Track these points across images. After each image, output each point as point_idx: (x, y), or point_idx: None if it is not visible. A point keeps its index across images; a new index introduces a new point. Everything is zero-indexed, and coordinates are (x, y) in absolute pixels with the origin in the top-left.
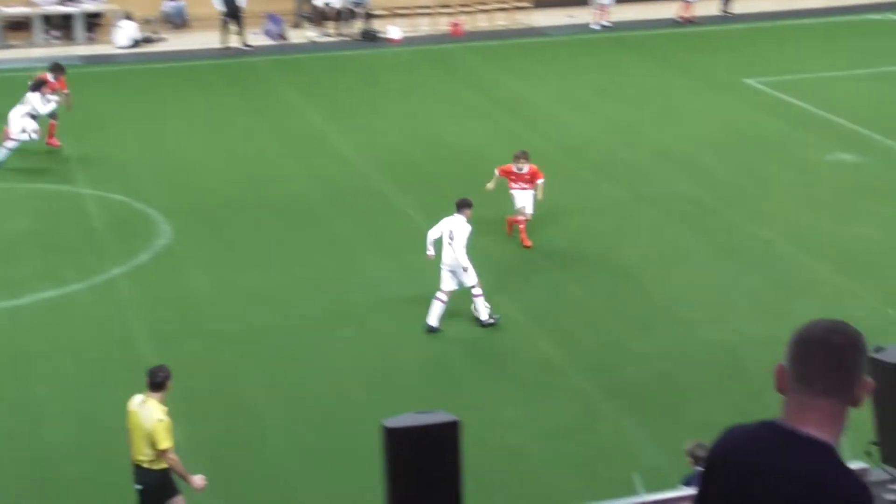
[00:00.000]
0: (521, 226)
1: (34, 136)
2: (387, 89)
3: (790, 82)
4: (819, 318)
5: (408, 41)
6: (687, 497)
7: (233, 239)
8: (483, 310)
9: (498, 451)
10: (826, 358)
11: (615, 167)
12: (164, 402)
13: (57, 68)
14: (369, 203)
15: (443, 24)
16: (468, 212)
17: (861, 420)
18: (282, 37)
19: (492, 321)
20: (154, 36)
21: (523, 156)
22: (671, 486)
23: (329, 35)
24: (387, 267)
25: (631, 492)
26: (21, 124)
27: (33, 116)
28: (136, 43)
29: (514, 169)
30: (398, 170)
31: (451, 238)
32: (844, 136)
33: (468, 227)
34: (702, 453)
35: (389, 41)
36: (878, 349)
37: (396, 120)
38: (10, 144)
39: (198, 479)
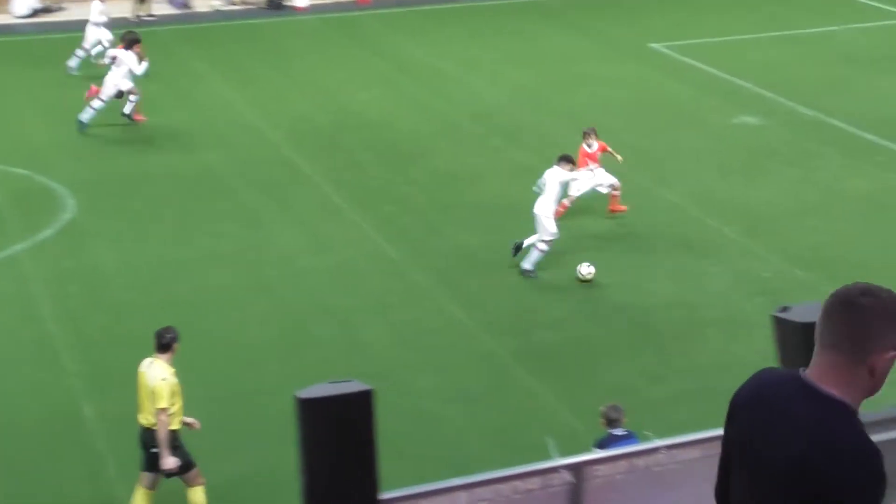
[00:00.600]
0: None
1: (132, 97)
2: (294, 58)
3: (695, 46)
4: (858, 282)
5: (314, 9)
6: (601, 459)
7: (139, 211)
8: (531, 261)
9: (412, 418)
10: (850, 318)
11: (524, 133)
12: (171, 363)
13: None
14: (278, 173)
15: None
16: (566, 165)
17: None
18: (186, 6)
19: (530, 271)
20: (54, 5)
21: (592, 132)
22: (585, 450)
23: (234, 3)
24: (297, 237)
25: (546, 456)
26: (117, 85)
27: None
28: (35, 12)
29: (585, 147)
30: (307, 139)
31: (541, 188)
32: (749, 99)
33: (559, 180)
34: (615, 415)
35: (295, 9)
36: (784, 308)
37: (304, 89)
38: (96, 105)
39: (170, 461)
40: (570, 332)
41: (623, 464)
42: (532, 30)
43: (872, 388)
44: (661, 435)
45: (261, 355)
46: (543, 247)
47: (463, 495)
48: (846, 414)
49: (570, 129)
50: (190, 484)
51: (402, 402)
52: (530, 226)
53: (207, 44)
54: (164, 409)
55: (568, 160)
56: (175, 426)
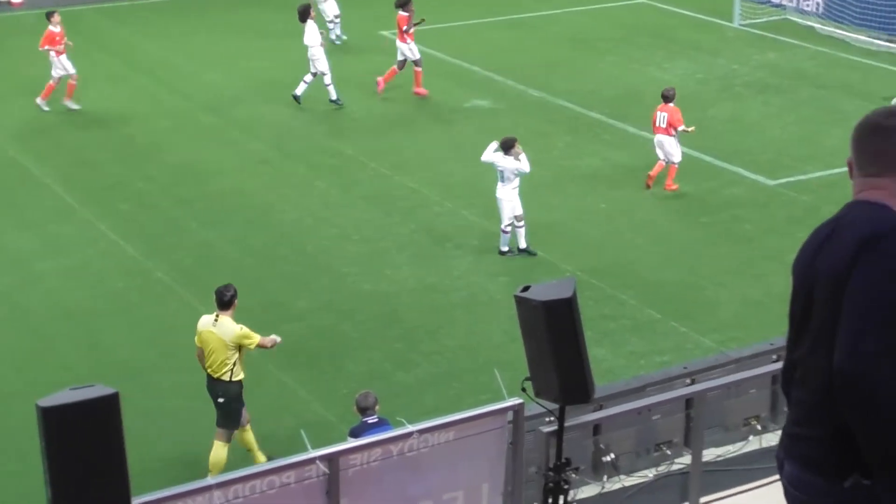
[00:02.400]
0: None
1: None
2: (14, 56)
3: (425, 32)
4: None
5: (31, 4)
6: (355, 448)
7: None
8: (523, 238)
9: (162, 418)
10: (877, 138)
11: (261, 125)
12: (233, 318)
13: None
14: (4, 175)
15: None
16: (513, 151)
17: (519, 358)
18: None
19: (528, 248)
20: None
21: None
22: (339, 439)
23: None
24: (30, 241)
25: (301, 447)
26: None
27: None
28: None
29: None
30: (33, 139)
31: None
32: (480, 83)
33: (513, 168)
34: (366, 403)
35: (11, 4)
36: (525, 288)
37: (26, 88)
38: (308, 78)
39: (269, 340)
40: (317, 323)
41: (377, 451)
42: (267, 20)
43: None
44: (413, 420)
45: None
46: (520, 224)
47: (218, 494)
48: (882, 208)
49: (304, 119)
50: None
51: (149, 403)
52: (268, 218)
53: None
54: (259, 341)
55: (511, 144)
56: (241, 376)
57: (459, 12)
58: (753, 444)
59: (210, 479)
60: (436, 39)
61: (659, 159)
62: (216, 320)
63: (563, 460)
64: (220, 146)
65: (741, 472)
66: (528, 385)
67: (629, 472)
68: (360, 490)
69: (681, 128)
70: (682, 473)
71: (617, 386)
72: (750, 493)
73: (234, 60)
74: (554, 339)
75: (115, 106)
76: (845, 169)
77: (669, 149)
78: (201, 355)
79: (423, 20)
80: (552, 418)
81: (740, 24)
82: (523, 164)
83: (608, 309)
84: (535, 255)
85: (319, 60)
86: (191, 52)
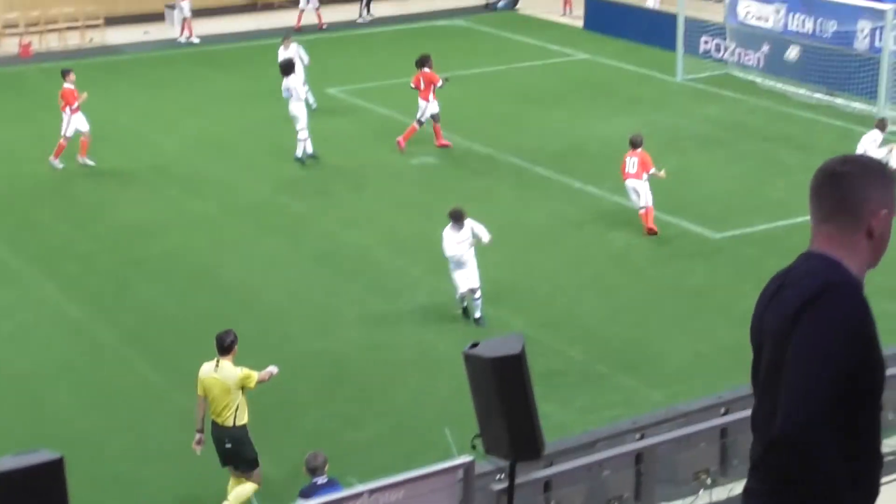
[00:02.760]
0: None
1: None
2: None
3: (370, 89)
4: None
5: None
6: None
7: None
8: (479, 309)
9: (108, 483)
10: (832, 185)
11: (204, 182)
12: (234, 363)
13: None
14: None
15: (11, 46)
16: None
17: (469, 414)
18: None
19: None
20: None
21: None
22: (289, 500)
23: None
24: None
25: None
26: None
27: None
28: None
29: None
30: None
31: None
32: (427, 139)
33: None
34: (316, 463)
35: None
36: (474, 345)
37: None
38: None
39: (266, 374)
40: (268, 382)
41: None
42: (209, 77)
43: (875, 253)
44: (364, 479)
45: None
46: (476, 297)
47: None
48: (828, 261)
49: (249, 176)
50: (250, 479)
51: (96, 468)
52: (215, 277)
53: None
54: (258, 379)
55: (461, 215)
56: (245, 420)
57: (406, 68)
58: (703, 497)
59: None
60: (383, 96)
61: (638, 206)
62: (217, 366)
63: None
64: (166, 205)
65: None
66: (479, 442)
67: None
68: None
69: (652, 171)
70: None
71: (567, 442)
72: None
73: (177, 119)
74: (503, 396)
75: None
76: (790, 221)
77: (642, 194)
78: (202, 404)
79: (447, 79)
80: (502, 476)
81: (683, 79)
82: (483, 234)
83: (557, 364)
84: (483, 326)
85: (301, 114)
86: (134, 110)
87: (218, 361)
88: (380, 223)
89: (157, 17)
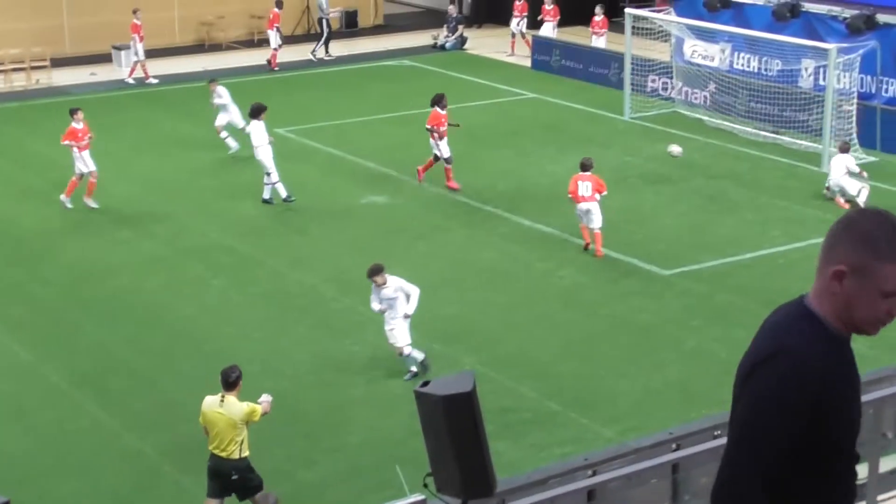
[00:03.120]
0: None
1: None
2: None
3: (319, 129)
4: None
5: None
6: None
7: None
8: (413, 364)
9: None
10: (829, 235)
11: (154, 223)
12: (238, 398)
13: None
14: None
15: None
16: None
17: (421, 453)
18: None
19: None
20: None
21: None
22: None
23: None
24: None
25: None
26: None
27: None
28: None
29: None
30: None
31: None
32: (375, 179)
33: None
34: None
35: None
36: (425, 383)
37: None
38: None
39: (266, 405)
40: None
41: None
42: (157, 118)
43: (844, 305)
44: None
45: None
46: (408, 351)
47: None
48: (804, 316)
49: (199, 217)
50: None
51: None
52: (165, 317)
53: None
54: (262, 412)
55: (378, 270)
56: (248, 451)
57: (352, 109)
58: None
59: None
60: (330, 136)
61: (589, 226)
62: (222, 401)
63: None
64: (113, 245)
65: None
66: (430, 481)
67: None
68: None
69: (605, 193)
70: None
71: (519, 479)
72: None
73: (126, 160)
74: (454, 434)
75: (5, 206)
76: (738, 258)
77: (595, 215)
78: (206, 432)
79: (458, 125)
80: None
81: (630, 118)
82: (409, 298)
83: (508, 401)
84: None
85: (266, 159)
86: None
87: (223, 397)
88: (327, 262)
89: (105, 59)
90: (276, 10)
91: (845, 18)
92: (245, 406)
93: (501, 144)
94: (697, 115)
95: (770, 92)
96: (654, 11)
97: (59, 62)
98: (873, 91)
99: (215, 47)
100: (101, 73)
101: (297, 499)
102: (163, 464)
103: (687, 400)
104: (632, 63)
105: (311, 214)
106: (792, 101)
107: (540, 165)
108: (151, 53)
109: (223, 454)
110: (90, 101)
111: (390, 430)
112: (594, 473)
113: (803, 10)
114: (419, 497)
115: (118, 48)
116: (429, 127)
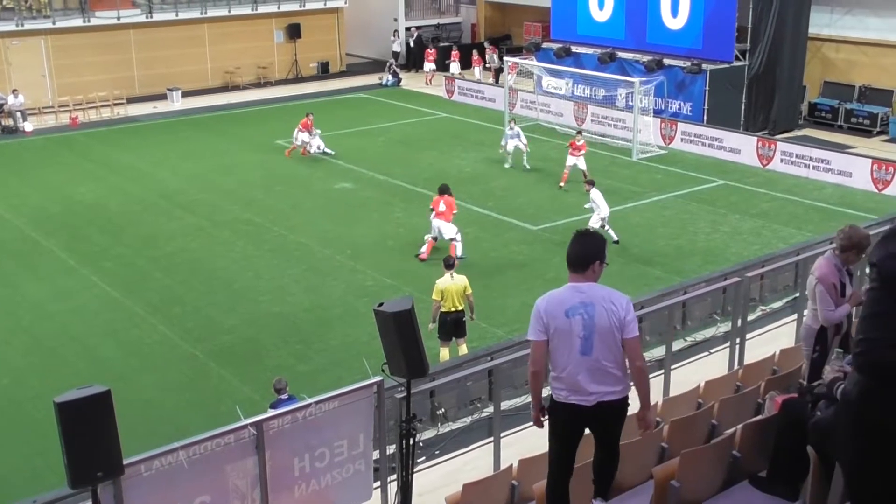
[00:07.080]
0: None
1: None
2: (27, 167)
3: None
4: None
5: (38, 132)
6: (273, 416)
7: None
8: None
9: (141, 406)
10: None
11: (197, 205)
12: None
13: None
14: (24, 247)
15: (64, 119)
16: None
17: (379, 350)
18: None
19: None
20: None
21: (446, 186)
22: (262, 411)
23: None
24: (44, 290)
25: (237, 418)
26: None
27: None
28: None
29: None
30: (43, 222)
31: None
32: (344, 172)
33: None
34: (280, 386)
35: (25, 133)
36: (380, 304)
37: (37, 188)
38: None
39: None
40: (242, 334)
41: (288, 417)
42: (195, 136)
43: None
44: (311, 395)
45: (23, 373)
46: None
47: (181, 453)
48: None
49: (227, 200)
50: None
51: (133, 396)
52: (206, 267)
53: None
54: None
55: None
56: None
57: (329, 125)
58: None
59: (175, 444)
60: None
61: (430, 237)
62: (452, 277)
63: (411, 415)
64: (170, 221)
65: (524, 415)
66: (386, 367)
67: (454, 420)
68: (278, 444)
69: (455, 212)
70: (489, 418)
71: (443, 365)
72: (531, 429)
73: (177, 163)
74: (401, 336)
75: (99, 196)
76: (578, 217)
77: (444, 229)
78: (438, 306)
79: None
80: (402, 388)
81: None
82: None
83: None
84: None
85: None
86: (149, 159)
87: (452, 275)
88: (314, 228)
89: (162, 97)
90: (307, 118)
91: (644, 62)
92: (464, 279)
93: (426, 148)
94: (552, 126)
95: (598, 110)
96: (523, 58)
97: (131, 100)
98: (663, 108)
99: (235, 87)
100: (160, 107)
101: (298, 382)
102: (208, 362)
103: None
104: (509, 92)
105: (301, 198)
106: (612, 115)
107: (451, 161)
108: (193, 93)
109: (454, 308)
110: (152, 126)
111: (358, 335)
112: (492, 359)
113: (618, 56)
114: (378, 379)
115: (171, 90)
116: (432, 207)
